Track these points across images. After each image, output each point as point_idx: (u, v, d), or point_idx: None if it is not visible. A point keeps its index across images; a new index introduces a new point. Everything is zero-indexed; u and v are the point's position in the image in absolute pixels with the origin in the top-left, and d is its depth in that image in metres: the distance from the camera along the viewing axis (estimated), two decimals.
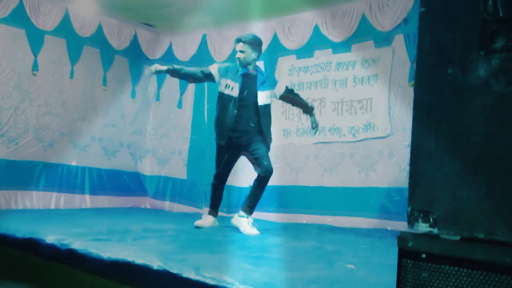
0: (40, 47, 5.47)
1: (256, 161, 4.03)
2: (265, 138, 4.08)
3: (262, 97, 4.07)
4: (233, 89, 4.03)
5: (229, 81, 4.05)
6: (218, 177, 4.20)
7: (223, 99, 4.07)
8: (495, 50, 1.27)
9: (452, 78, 1.32)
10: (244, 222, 3.88)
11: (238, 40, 4.08)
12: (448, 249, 1.21)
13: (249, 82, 4.07)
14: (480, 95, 1.26)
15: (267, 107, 4.12)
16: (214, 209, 4.26)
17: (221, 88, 4.08)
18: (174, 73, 4.11)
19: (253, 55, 4.05)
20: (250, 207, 3.97)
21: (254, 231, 3.83)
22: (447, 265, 1.19)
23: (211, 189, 4.29)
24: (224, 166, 4.14)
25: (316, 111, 5.43)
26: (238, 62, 4.07)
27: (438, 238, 1.25)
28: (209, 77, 4.14)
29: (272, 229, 4.28)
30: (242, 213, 3.94)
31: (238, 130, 4.03)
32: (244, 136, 4.04)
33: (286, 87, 4.30)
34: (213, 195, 4.27)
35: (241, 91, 4.02)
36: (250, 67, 4.08)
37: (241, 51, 4.02)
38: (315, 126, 4.28)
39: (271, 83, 4.21)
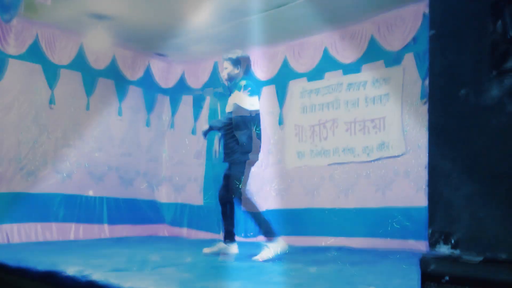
0: (56, 81, 5.61)
1: None
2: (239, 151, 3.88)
3: (229, 105, 4.01)
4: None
5: None
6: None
7: None
8: (507, 70, 1.28)
9: (466, 99, 1.32)
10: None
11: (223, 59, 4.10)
12: (470, 271, 1.20)
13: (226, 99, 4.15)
14: (495, 115, 1.26)
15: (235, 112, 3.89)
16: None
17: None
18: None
19: (236, 71, 4.02)
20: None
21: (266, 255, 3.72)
22: None
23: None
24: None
25: (329, 132, 5.45)
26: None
27: (460, 260, 1.24)
28: None
29: (290, 253, 4.24)
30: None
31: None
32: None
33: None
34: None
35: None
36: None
37: (225, 68, 4.06)
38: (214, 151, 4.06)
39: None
